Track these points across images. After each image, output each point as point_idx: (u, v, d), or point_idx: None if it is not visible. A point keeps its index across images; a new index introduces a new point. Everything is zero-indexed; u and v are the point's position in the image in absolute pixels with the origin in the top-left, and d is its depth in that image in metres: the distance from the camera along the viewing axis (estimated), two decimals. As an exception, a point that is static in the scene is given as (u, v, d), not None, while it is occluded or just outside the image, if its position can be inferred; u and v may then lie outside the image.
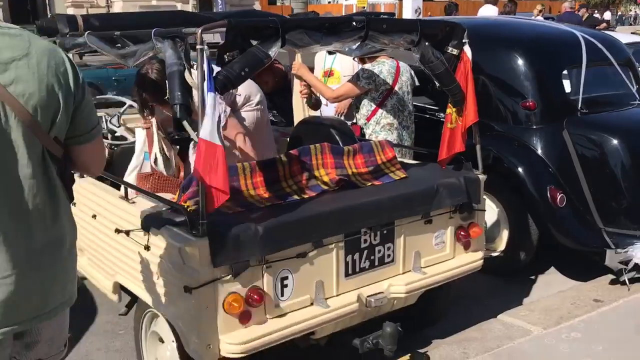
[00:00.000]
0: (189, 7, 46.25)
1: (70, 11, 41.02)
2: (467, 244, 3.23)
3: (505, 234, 4.29)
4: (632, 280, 3.92)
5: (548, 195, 3.99)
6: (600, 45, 4.59)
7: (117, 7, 45.47)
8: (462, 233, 3.17)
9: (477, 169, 3.32)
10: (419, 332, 3.47)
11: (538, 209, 4.03)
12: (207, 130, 2.17)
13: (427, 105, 4.90)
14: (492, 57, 4.46)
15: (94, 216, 3.08)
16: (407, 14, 40.79)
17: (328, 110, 4.84)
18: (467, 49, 3.12)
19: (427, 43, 2.97)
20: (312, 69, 4.69)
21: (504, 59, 4.40)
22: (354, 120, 4.36)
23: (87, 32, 3.07)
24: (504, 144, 4.31)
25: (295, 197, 2.81)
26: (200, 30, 2.26)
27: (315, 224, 2.60)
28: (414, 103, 4.49)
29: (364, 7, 38.90)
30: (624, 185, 3.99)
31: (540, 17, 13.90)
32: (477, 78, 4.48)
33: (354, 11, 37.59)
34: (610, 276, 4.08)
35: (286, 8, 53.41)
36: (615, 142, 4.02)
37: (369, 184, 3.08)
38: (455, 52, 3.10)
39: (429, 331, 3.52)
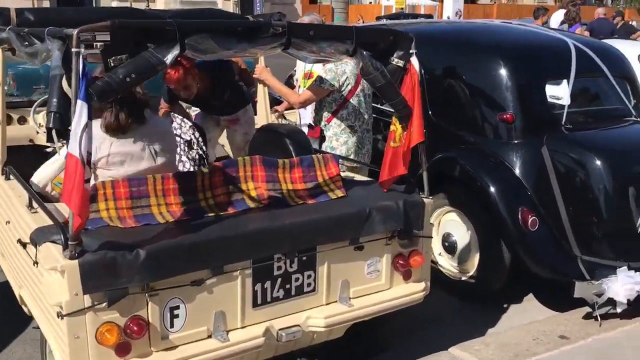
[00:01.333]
0: (230, 5, 46.54)
1: (115, 4, 41.75)
2: (407, 274, 2.90)
3: (476, 257, 3.92)
4: (606, 316, 3.52)
5: (519, 217, 3.61)
6: (593, 56, 4.16)
7: (160, 3, 46.12)
8: (400, 262, 2.84)
9: (424, 191, 2.98)
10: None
11: (508, 232, 3.65)
12: (71, 142, 1.92)
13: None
14: (471, 64, 4.10)
15: (8, 222, 2.88)
16: (448, 16, 40.19)
17: (306, 113, 4.56)
18: (414, 61, 2.78)
19: (365, 53, 2.64)
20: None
21: (483, 66, 4.02)
22: (313, 122, 4.08)
23: (8, 28, 2.86)
24: (477, 159, 3.94)
25: (210, 213, 2.53)
26: (76, 32, 2.01)
27: (215, 248, 2.32)
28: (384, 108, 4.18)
29: (402, 9, 38.30)
30: (605, 211, 3.57)
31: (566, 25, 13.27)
32: (454, 85, 4.19)
33: (393, 12, 37.07)
34: (588, 309, 3.68)
35: (326, 7, 53.24)
36: (598, 162, 3.60)
37: (302, 202, 2.78)
38: (400, 63, 2.76)
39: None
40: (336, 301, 2.68)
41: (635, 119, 4.22)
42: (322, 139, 4.00)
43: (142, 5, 39.67)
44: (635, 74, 4.46)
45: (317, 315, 2.57)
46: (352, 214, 2.66)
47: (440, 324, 3.71)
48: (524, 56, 4.02)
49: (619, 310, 3.43)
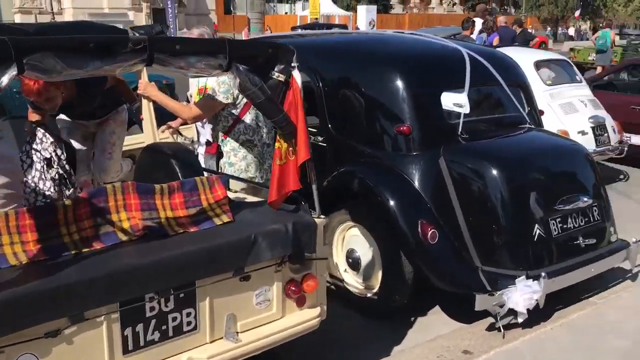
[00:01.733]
0: (142, 16, 45.31)
1: (18, 18, 39.66)
2: (301, 300, 2.72)
3: (380, 272, 3.80)
4: (509, 326, 3.48)
5: (419, 230, 3.52)
6: (488, 65, 4.15)
7: (68, 14, 44.20)
8: (293, 288, 2.66)
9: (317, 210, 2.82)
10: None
11: (408, 246, 3.55)
12: None
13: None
14: (367, 76, 3.99)
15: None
16: (361, 27, 40.84)
17: (205, 131, 4.30)
18: (296, 75, 2.61)
19: (242, 67, 2.44)
20: None
21: (378, 78, 3.93)
22: (210, 138, 3.84)
23: None
24: (376, 173, 3.83)
25: (72, 251, 2.25)
26: None
27: (73, 292, 2.04)
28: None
29: (316, 19, 38.51)
30: (503, 220, 3.54)
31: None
32: (352, 98, 4.07)
33: (308, 22, 37.20)
34: (492, 319, 3.63)
35: (241, 18, 52.88)
36: (493, 171, 3.57)
37: (182, 231, 2.55)
38: (281, 77, 2.58)
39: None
40: (222, 338, 2.46)
41: (529, 126, 4.26)
42: (220, 155, 3.78)
43: (47, 18, 37.92)
44: (528, 82, 4.51)
45: (200, 356, 2.34)
46: (235, 242, 2.45)
47: (347, 344, 3.56)
48: (418, 67, 3.96)
49: (520, 320, 3.39)
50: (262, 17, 55.69)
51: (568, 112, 6.57)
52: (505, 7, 62.56)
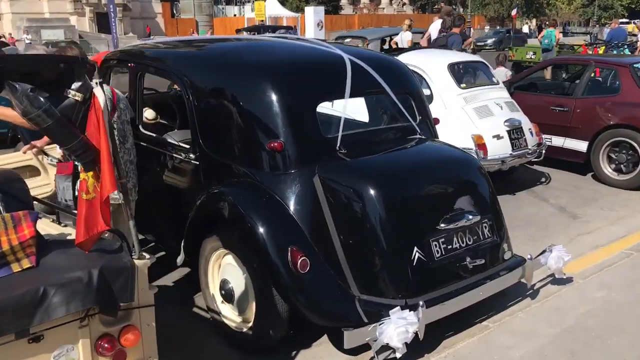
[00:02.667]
0: (86, 20, 43.96)
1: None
2: (120, 356, 2.31)
3: (254, 305, 3.43)
4: (391, 360, 3.16)
5: (289, 258, 3.17)
6: (372, 72, 3.82)
7: (7, 20, 42.52)
8: (105, 344, 2.25)
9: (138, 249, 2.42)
10: None
11: (278, 276, 3.18)
12: None
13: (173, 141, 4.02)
14: (237, 87, 3.61)
15: None
16: (310, 28, 40.40)
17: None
18: (98, 93, 2.21)
19: (19, 86, 2.03)
20: None
21: (249, 88, 3.55)
22: (62, 158, 3.42)
23: None
24: (246, 194, 3.45)
25: None
26: None
27: None
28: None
29: (262, 21, 38.08)
30: (380, 244, 3.21)
31: (409, 33, 13.48)
32: (224, 112, 3.68)
33: (255, 24, 36.66)
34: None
35: (189, 21, 51.92)
36: (370, 191, 3.24)
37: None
38: (78, 97, 2.17)
39: None
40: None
41: (420, 137, 3.95)
42: (76, 176, 3.34)
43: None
44: (420, 89, 4.21)
45: None
46: (17, 297, 2.03)
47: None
48: (293, 76, 3.60)
49: (398, 355, 3.06)
50: (211, 20, 55.08)
51: (483, 115, 6.34)
52: (454, 7, 63.34)
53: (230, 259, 3.53)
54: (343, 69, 3.71)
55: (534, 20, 61.16)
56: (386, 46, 14.05)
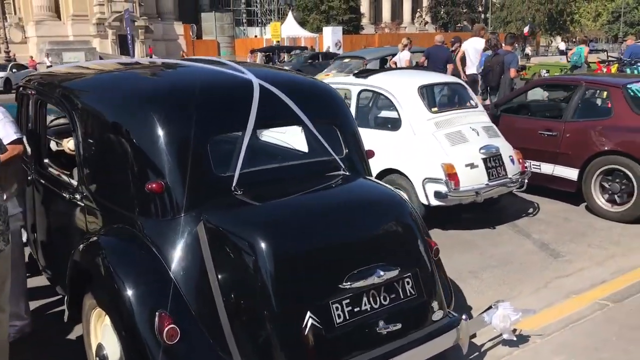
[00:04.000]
0: (108, 43, 44.57)
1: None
2: None
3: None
4: None
5: (155, 325, 2.63)
6: (288, 100, 3.28)
7: (32, 43, 43.34)
8: None
9: None
10: None
11: (142, 347, 2.63)
12: None
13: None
14: (116, 118, 3.11)
15: None
16: (327, 47, 40.30)
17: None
18: None
19: None
20: None
21: (131, 120, 3.03)
22: None
23: None
24: (117, 245, 2.94)
25: None
26: None
27: None
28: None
29: (278, 42, 38.07)
30: (269, 308, 2.63)
31: (406, 52, 12.94)
32: (107, 147, 3.16)
33: (271, 45, 36.61)
34: None
35: (211, 42, 52.30)
36: (261, 243, 2.67)
37: None
38: None
39: None
40: None
41: (344, 173, 3.39)
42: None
43: (12, 47, 36.95)
44: (350, 118, 3.63)
45: None
46: None
47: None
48: (178, 105, 3.06)
49: None
50: (232, 41, 55.51)
51: (456, 142, 5.73)
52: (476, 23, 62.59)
53: (108, 321, 3.01)
54: (249, 98, 3.18)
55: (558, 37, 59.95)
56: (387, 66, 13.55)
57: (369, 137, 6.04)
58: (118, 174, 3.08)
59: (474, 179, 5.64)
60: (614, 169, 6.07)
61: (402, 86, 5.98)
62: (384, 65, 13.88)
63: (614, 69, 13.92)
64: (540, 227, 6.06)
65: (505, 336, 3.37)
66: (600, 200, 6.24)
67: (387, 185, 3.43)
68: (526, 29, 35.51)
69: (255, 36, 54.44)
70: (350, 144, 3.55)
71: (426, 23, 69.47)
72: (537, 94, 8.51)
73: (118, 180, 3.08)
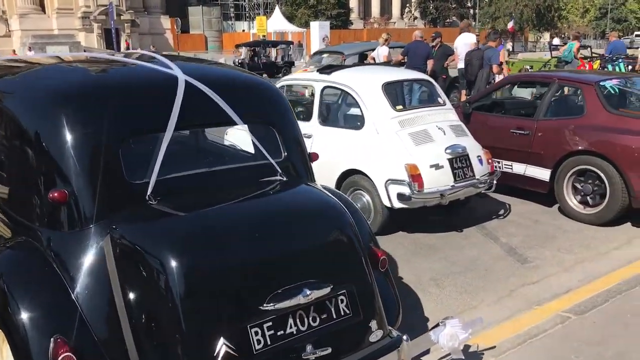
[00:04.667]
0: (94, 37, 43.93)
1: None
2: None
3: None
4: None
5: (50, 352, 2.33)
6: (217, 98, 2.97)
7: (16, 36, 42.61)
8: None
9: None
10: None
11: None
12: None
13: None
14: (22, 118, 2.80)
15: None
16: (315, 42, 40.12)
17: None
18: None
19: None
20: None
21: (33, 120, 2.73)
22: None
23: None
24: (15, 261, 2.63)
25: None
26: None
27: None
28: None
29: (263, 36, 37.60)
30: (179, 334, 2.34)
31: (385, 47, 12.64)
32: (10, 150, 2.86)
33: (257, 40, 36.09)
34: None
35: (199, 37, 51.76)
36: (170, 260, 2.37)
37: None
38: None
39: None
40: None
41: (281, 178, 3.09)
42: None
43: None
44: (289, 118, 3.33)
45: None
46: None
47: None
48: (90, 105, 2.74)
49: None
50: (220, 35, 55.03)
51: (420, 142, 5.45)
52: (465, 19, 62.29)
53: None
54: (172, 94, 2.87)
55: (546, 33, 59.80)
56: (366, 61, 13.23)
57: (333, 136, 5.79)
58: (24, 181, 2.78)
59: (439, 181, 5.36)
60: (586, 169, 5.82)
61: (365, 83, 5.68)
62: (363, 60, 13.56)
63: (595, 65, 13.69)
64: (510, 229, 5.80)
65: (454, 356, 3.10)
66: (573, 202, 5.99)
67: (327, 192, 3.14)
68: (510, 24, 35.19)
69: (243, 30, 53.90)
70: (290, 146, 3.25)
71: (415, 18, 69.12)
72: (518, 92, 8.27)
73: (23, 188, 2.78)
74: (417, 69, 12.04)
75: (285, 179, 3.10)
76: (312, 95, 5.98)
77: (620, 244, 5.34)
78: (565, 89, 6.42)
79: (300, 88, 6.36)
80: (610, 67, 12.93)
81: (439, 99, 6.03)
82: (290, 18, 50.59)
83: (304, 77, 6.32)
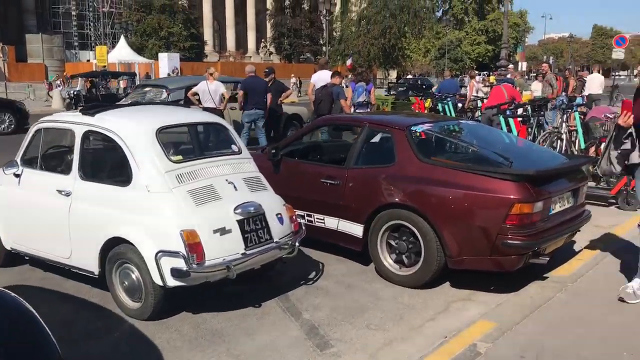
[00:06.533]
0: None
1: None
2: None
3: None
4: None
5: None
6: None
7: None
8: None
9: None
10: None
11: None
12: None
13: None
14: None
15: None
16: (164, 74, 38.23)
17: None
18: None
19: None
20: None
21: None
22: None
23: None
24: None
25: None
26: None
27: None
28: None
29: (104, 67, 35.01)
30: None
31: (216, 82, 11.58)
32: None
33: (97, 70, 33.41)
34: None
35: (39, 66, 47.44)
36: None
37: None
38: None
39: None
40: None
41: None
42: None
43: None
44: None
45: None
46: None
47: None
48: None
49: None
50: (63, 65, 50.84)
51: (202, 201, 4.37)
52: (318, 57, 63.40)
53: None
54: None
55: (395, 71, 62.71)
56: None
57: (96, 194, 4.50)
58: None
59: (225, 249, 4.31)
60: (400, 224, 5.09)
61: (133, 128, 4.51)
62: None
63: (427, 103, 13.72)
64: (317, 299, 4.88)
65: None
66: (388, 262, 5.23)
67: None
68: (348, 62, 35.96)
69: (88, 60, 50.17)
70: None
71: (271, 53, 69.29)
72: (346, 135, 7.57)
73: None
74: (258, 105, 11.18)
75: None
76: (73, 141, 4.69)
77: (437, 312, 4.62)
78: (377, 134, 5.72)
79: (61, 132, 5.02)
80: (440, 106, 12.95)
81: (233, 146, 5.02)
82: (140, 49, 48.13)
83: (64, 119, 4.99)
